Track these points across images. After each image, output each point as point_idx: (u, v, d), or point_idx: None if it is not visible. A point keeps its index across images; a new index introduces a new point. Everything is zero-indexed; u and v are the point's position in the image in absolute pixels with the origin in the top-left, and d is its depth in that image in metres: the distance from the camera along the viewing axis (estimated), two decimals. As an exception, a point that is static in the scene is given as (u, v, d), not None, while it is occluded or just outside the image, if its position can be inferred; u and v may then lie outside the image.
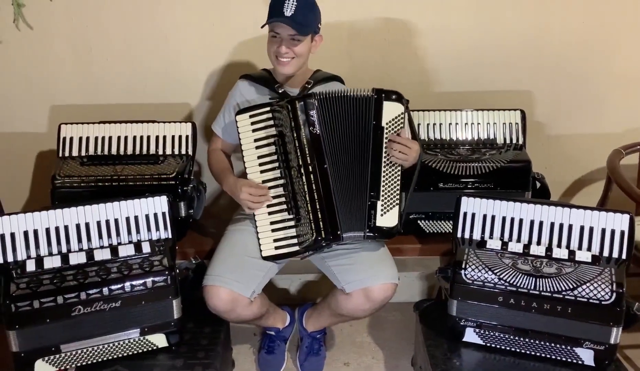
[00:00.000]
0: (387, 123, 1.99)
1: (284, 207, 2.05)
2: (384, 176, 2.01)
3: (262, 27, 2.04)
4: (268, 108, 2.04)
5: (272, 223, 2.06)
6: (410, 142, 2.00)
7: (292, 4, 1.99)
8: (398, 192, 2.02)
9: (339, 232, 2.03)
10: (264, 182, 2.06)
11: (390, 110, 1.99)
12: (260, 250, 2.06)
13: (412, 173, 2.07)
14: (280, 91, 2.14)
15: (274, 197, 2.06)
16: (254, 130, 2.05)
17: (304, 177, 2.01)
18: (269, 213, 2.06)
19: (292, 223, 2.05)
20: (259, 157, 2.06)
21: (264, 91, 2.18)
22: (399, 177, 2.02)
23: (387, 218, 2.02)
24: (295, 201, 2.04)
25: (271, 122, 2.04)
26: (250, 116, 2.05)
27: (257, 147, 2.06)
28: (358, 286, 2.02)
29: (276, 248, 2.06)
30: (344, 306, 2.10)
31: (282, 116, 2.02)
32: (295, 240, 2.05)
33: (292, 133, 2.00)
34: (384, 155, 2.00)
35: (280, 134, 2.03)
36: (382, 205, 2.01)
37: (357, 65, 2.57)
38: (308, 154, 2.00)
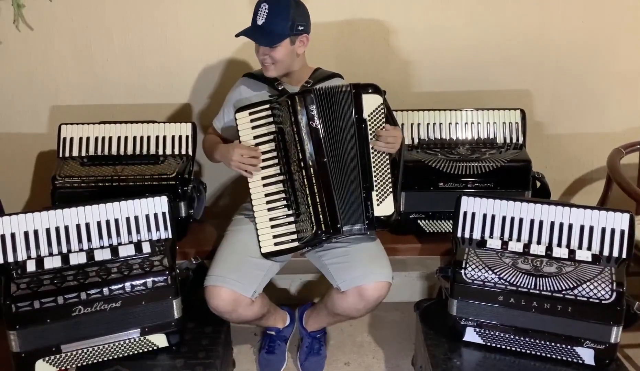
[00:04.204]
0: (369, 115, 2.03)
1: (284, 203, 2.06)
2: (374, 166, 2.04)
3: (237, 36, 2.05)
4: (267, 106, 2.05)
5: (271, 219, 2.07)
6: (394, 131, 2.04)
7: (264, 12, 2.00)
8: (390, 179, 2.06)
9: (338, 225, 2.04)
10: (263, 178, 2.07)
11: (370, 103, 2.03)
12: (260, 247, 2.07)
13: (399, 160, 2.11)
14: (280, 88, 2.15)
15: (273, 193, 2.07)
16: (253, 127, 2.06)
17: (303, 172, 2.03)
18: (269, 210, 2.07)
19: (292, 218, 2.06)
20: None
21: (263, 88, 2.19)
22: (388, 165, 2.06)
23: (384, 207, 2.05)
24: (295, 196, 2.05)
25: (271, 119, 2.04)
26: (250, 113, 2.06)
27: (256, 144, 2.06)
28: (352, 285, 2.03)
29: (275, 244, 2.07)
30: (339, 305, 2.10)
31: (281, 113, 2.03)
32: (294, 236, 2.06)
33: (292, 128, 2.01)
34: (371, 145, 2.03)
35: (280, 130, 2.04)
36: (377, 195, 2.04)
37: (357, 65, 2.57)
38: (308, 148, 2.02)
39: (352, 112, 2.02)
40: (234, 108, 2.11)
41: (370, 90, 2.03)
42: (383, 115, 2.04)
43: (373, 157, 2.04)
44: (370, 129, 2.03)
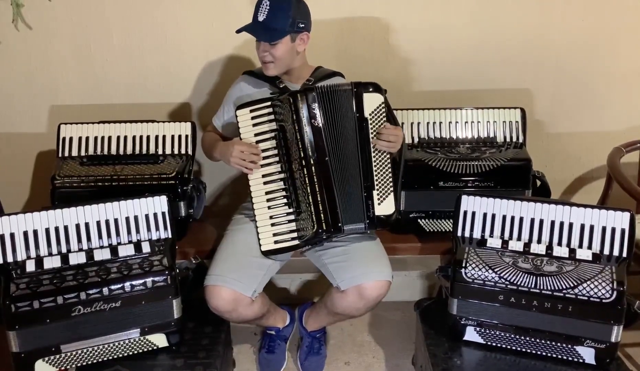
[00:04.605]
0: (370, 114, 2.02)
1: (285, 201, 2.06)
2: (375, 165, 2.04)
3: (237, 32, 2.05)
4: (269, 103, 2.04)
5: (271, 217, 2.07)
6: (395, 130, 2.04)
7: (266, 8, 2.01)
8: (390, 178, 2.06)
9: (339, 224, 2.04)
10: (264, 176, 2.07)
11: (371, 102, 2.03)
12: (260, 245, 2.07)
13: (400, 159, 2.12)
14: (281, 86, 2.15)
15: (274, 191, 2.07)
16: (254, 125, 2.06)
17: (305, 170, 2.02)
18: (269, 208, 2.07)
19: (292, 216, 2.06)
20: None
21: (264, 86, 2.19)
22: (389, 164, 2.06)
23: (385, 206, 2.05)
24: (296, 194, 2.05)
25: (272, 117, 2.04)
26: (251, 111, 2.06)
27: (257, 142, 2.06)
28: (352, 284, 2.02)
29: (276, 242, 2.06)
30: (338, 304, 2.10)
31: (283, 110, 2.02)
32: (295, 234, 2.06)
33: (293, 126, 2.01)
34: (372, 144, 2.03)
35: (281, 128, 2.03)
36: (377, 194, 2.05)
37: (357, 63, 2.57)
38: (309, 147, 2.02)
39: (353, 111, 2.02)
40: (234, 106, 2.11)
41: (371, 89, 2.03)
42: (384, 114, 2.04)
43: (374, 156, 2.04)
44: (372, 128, 2.02)
